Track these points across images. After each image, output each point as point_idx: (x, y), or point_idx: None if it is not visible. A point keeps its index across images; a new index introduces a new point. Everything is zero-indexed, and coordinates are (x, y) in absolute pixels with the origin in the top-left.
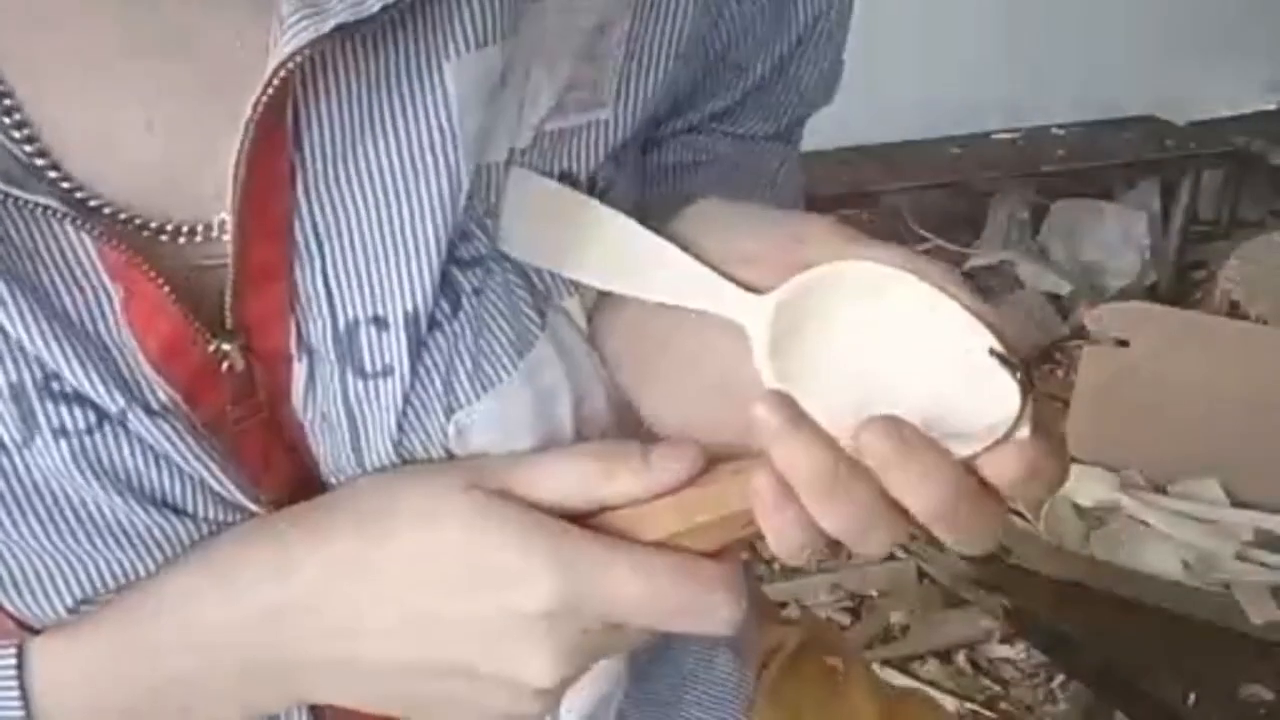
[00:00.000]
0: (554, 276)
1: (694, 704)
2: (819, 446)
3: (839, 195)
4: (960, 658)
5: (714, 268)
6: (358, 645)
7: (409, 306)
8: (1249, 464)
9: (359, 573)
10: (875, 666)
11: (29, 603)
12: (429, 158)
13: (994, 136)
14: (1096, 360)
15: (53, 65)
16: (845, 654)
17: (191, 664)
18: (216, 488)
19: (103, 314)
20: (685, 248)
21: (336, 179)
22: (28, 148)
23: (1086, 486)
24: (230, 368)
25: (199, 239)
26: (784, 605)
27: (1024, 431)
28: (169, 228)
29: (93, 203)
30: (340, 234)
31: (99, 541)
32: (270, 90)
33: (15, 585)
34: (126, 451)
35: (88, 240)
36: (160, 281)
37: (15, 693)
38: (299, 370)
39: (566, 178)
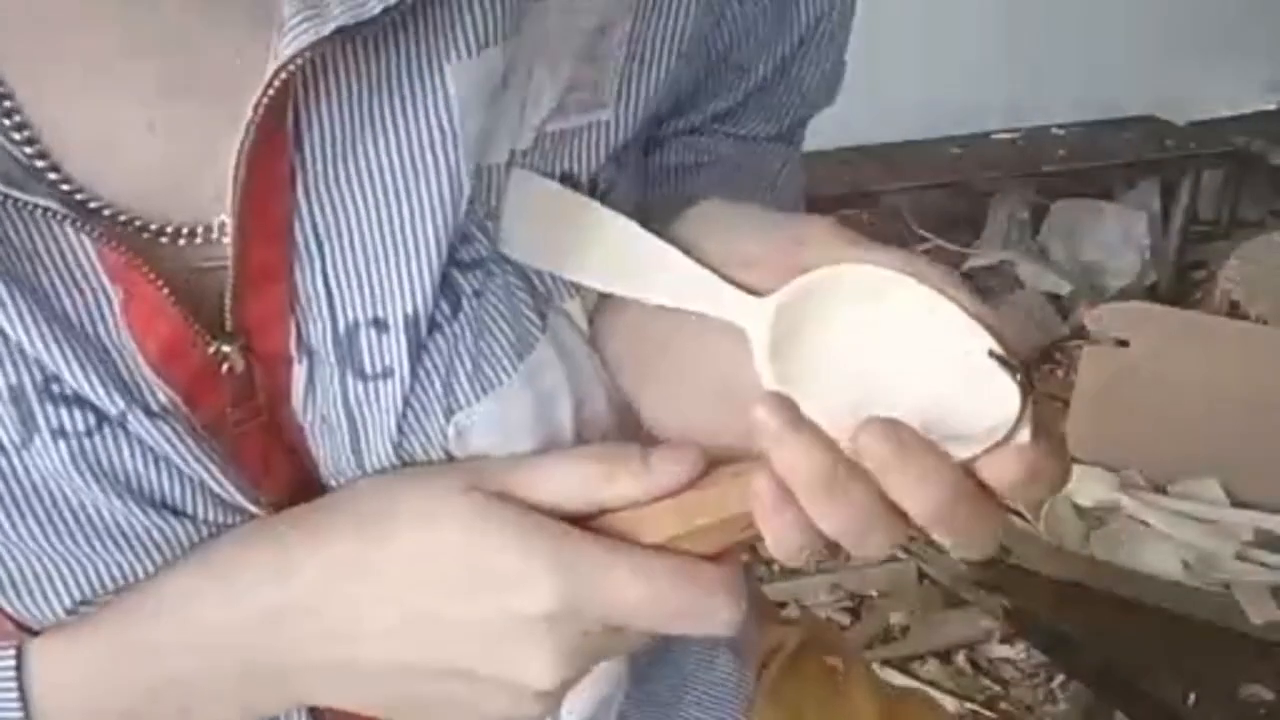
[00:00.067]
0: (555, 278)
1: (694, 704)
2: (818, 448)
3: (840, 195)
4: (960, 658)
5: (714, 270)
6: (357, 647)
7: (409, 308)
8: (1249, 464)
9: (359, 574)
10: (875, 666)
11: (28, 604)
12: (429, 158)
13: (994, 136)
14: (1096, 360)
15: (53, 67)
16: (845, 654)
17: (191, 665)
18: (216, 489)
19: (102, 316)
20: (686, 250)
21: (337, 180)
22: (28, 149)
23: (1086, 486)
24: (230, 370)
25: (199, 241)
26: (784, 605)
27: (1024, 433)
28: (169, 230)
29: (93, 204)
30: (340, 235)
31: (98, 543)
32: (271, 92)
33: (14, 587)
34: (126, 453)
35: (87, 242)
36: (160, 283)
37: (14, 694)
38: (299, 372)
39: (568, 179)
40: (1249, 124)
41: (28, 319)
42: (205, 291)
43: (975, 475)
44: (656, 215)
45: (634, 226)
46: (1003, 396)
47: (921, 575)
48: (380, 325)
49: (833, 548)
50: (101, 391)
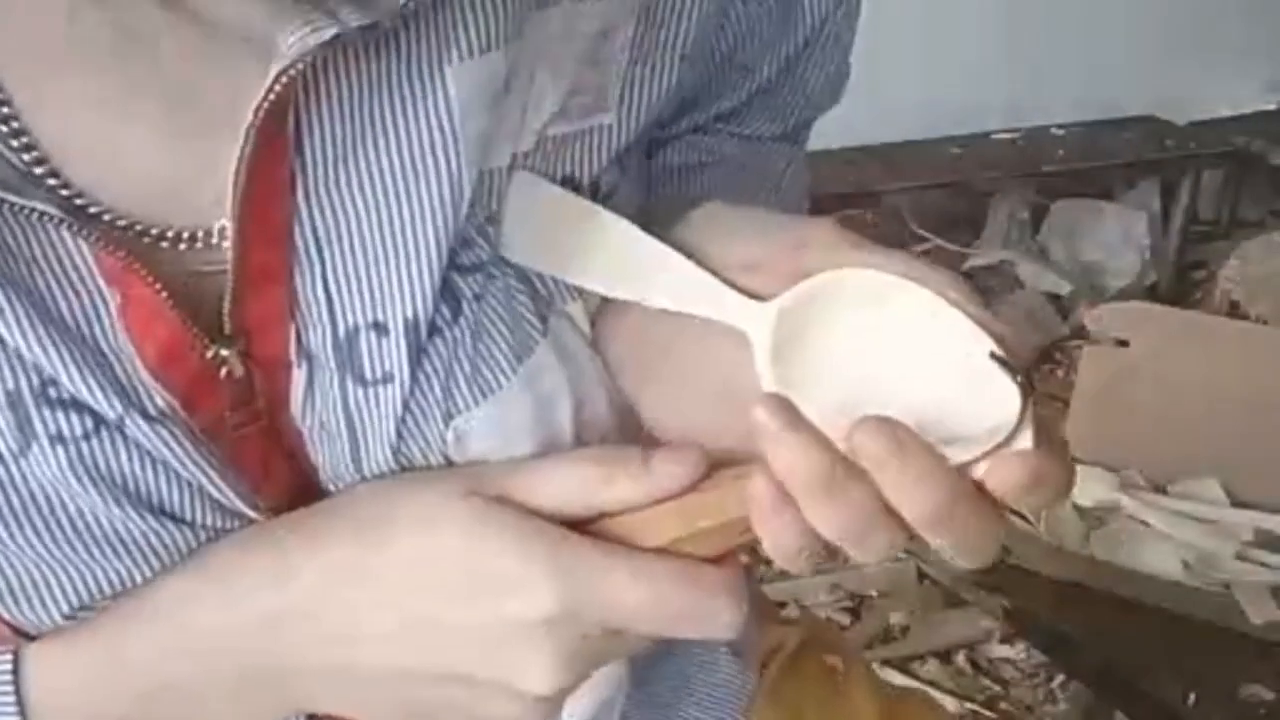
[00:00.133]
0: (557, 282)
1: (694, 705)
2: (817, 449)
3: (840, 195)
4: (960, 658)
5: (716, 274)
6: (356, 652)
7: (409, 312)
8: (1249, 464)
9: (357, 579)
10: (875, 666)
11: (25, 610)
12: (430, 160)
13: (994, 136)
14: (1096, 360)
15: (52, 72)
16: (845, 654)
17: (189, 670)
18: (215, 494)
19: (100, 319)
20: (689, 253)
21: (337, 183)
22: (25, 156)
23: (1086, 486)
24: (229, 374)
25: (199, 245)
26: (783, 605)
27: (1026, 436)
28: (169, 234)
29: (92, 209)
30: (340, 239)
31: (96, 550)
32: (271, 96)
33: (12, 593)
34: (124, 458)
35: (84, 246)
36: (158, 287)
37: (11, 700)
38: (298, 377)
39: (569, 182)
40: (1249, 124)
41: (24, 323)
42: (204, 295)
43: (975, 479)
44: (659, 218)
45: (636, 230)
46: (1004, 399)
47: (921, 575)
48: (380, 329)
49: (831, 551)
50: (99, 395)
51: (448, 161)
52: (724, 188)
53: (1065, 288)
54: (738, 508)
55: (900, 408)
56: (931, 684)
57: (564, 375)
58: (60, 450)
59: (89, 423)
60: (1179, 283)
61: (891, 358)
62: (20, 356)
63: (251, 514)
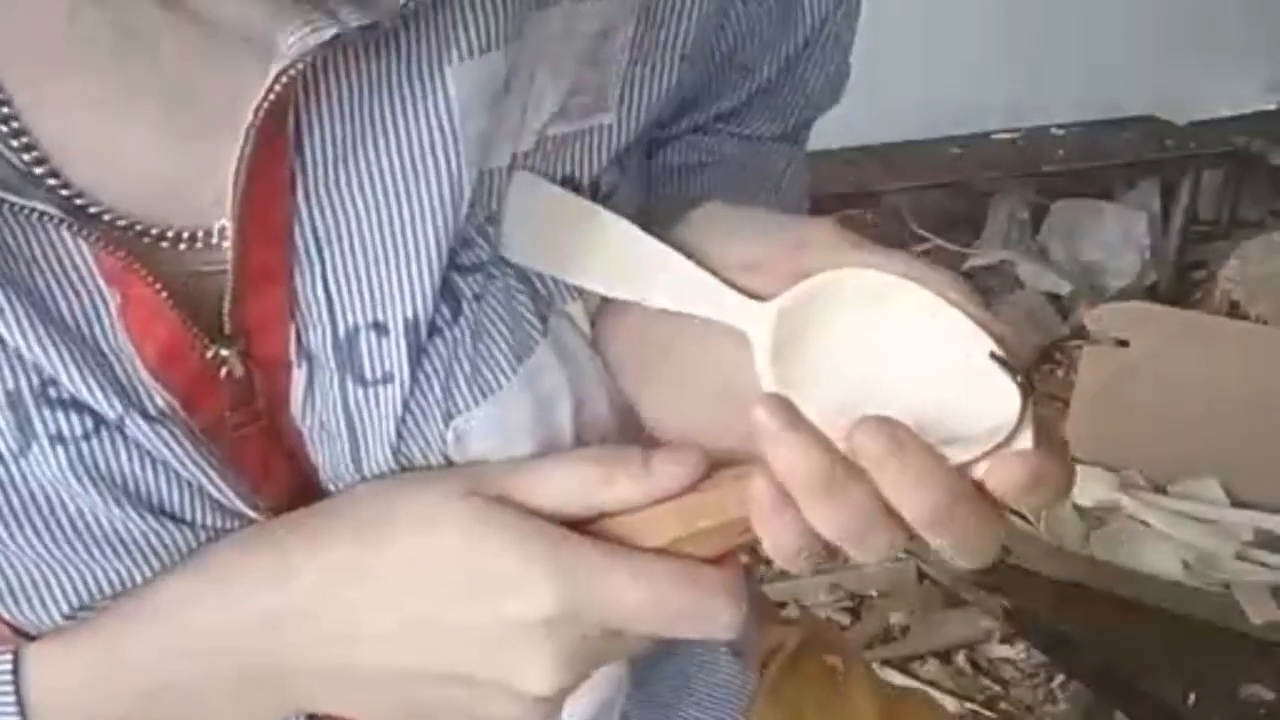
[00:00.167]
0: (557, 282)
1: (694, 705)
2: (816, 448)
3: (840, 195)
4: (960, 658)
5: (716, 274)
6: (356, 652)
7: (409, 313)
8: (1249, 464)
9: (357, 579)
10: (875, 666)
11: (25, 610)
12: (430, 160)
13: (994, 136)
14: (1096, 360)
15: (52, 72)
16: (845, 654)
17: (188, 670)
18: (215, 494)
19: (99, 319)
20: (689, 253)
21: (337, 183)
22: (25, 156)
23: (1086, 486)
24: (229, 373)
25: (199, 246)
26: (783, 605)
27: (1026, 436)
28: (169, 234)
29: (92, 209)
30: (340, 239)
31: (96, 550)
32: (271, 96)
33: (12, 593)
34: (124, 458)
35: (84, 246)
36: (158, 287)
37: (11, 700)
38: (298, 377)
39: (569, 182)
40: (1249, 124)
41: (24, 322)
42: (204, 295)
43: (975, 479)
44: (659, 218)
45: (636, 230)
46: (1004, 399)
47: (921, 575)
48: (380, 329)
49: (831, 551)
50: (99, 395)
51: (448, 161)
52: (724, 188)
53: (1065, 288)
54: (738, 508)
55: (900, 408)
56: (931, 684)
57: (564, 375)
58: (60, 450)
59: (89, 423)
60: (1179, 283)
61: (891, 358)
62: (20, 356)
63: (251, 514)
